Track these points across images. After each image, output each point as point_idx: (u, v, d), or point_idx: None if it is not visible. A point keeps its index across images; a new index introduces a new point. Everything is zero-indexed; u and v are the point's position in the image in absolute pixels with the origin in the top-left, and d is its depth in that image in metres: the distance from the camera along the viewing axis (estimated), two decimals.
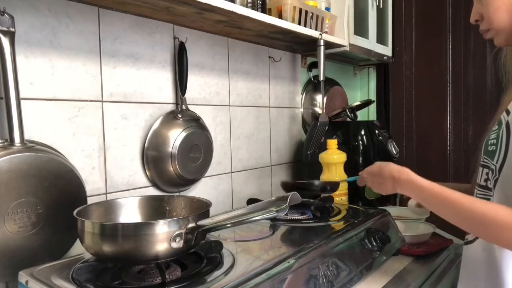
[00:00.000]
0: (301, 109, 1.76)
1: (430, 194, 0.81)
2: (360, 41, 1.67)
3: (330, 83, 1.91)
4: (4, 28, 0.81)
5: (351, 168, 1.45)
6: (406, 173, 0.87)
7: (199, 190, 1.30)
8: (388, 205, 1.54)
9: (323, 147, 1.44)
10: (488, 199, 0.83)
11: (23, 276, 0.75)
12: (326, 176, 1.40)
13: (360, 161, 1.52)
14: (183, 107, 1.19)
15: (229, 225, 0.73)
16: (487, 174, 0.84)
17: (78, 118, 0.99)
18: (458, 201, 0.76)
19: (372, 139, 1.54)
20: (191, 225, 0.72)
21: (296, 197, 0.69)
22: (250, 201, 1.26)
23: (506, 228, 0.69)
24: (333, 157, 1.39)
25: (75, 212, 0.75)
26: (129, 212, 0.90)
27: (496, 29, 0.84)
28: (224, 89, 1.38)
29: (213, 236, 0.95)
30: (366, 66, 2.15)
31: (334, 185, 1.27)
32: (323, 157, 1.40)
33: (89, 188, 0.99)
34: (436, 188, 0.81)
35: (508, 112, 0.81)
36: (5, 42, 0.81)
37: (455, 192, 0.78)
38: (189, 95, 1.24)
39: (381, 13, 1.84)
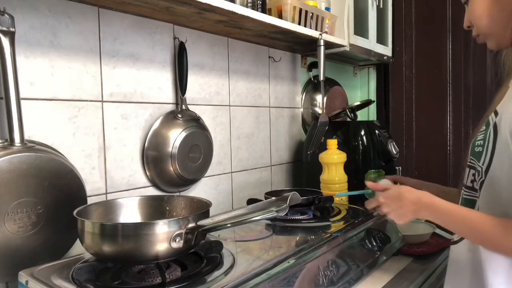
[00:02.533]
0: (301, 109, 1.76)
1: (455, 218, 0.80)
2: (360, 41, 1.67)
3: (330, 83, 1.91)
4: (4, 28, 0.81)
5: (351, 168, 1.45)
6: (428, 196, 0.84)
7: (199, 190, 1.30)
8: None
9: (323, 147, 1.44)
10: (475, 201, 0.83)
11: (23, 276, 0.75)
12: (326, 176, 1.39)
13: (360, 161, 1.52)
14: (183, 107, 1.19)
15: (229, 225, 0.73)
16: (473, 175, 0.83)
17: (78, 118, 0.99)
18: (483, 224, 0.75)
19: (372, 139, 1.54)
20: (191, 225, 0.72)
21: (296, 197, 0.69)
22: (250, 201, 1.26)
23: None
24: (333, 157, 1.39)
25: (75, 212, 0.76)
26: (129, 212, 0.90)
27: (484, 34, 0.86)
28: (224, 89, 1.38)
29: (213, 236, 0.95)
30: (366, 66, 2.15)
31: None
32: (323, 157, 1.40)
33: (89, 188, 0.99)
34: (461, 211, 0.79)
35: (496, 113, 0.80)
36: (5, 42, 0.81)
37: (480, 214, 0.77)
38: (189, 95, 1.24)
39: (381, 13, 1.84)
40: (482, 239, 0.78)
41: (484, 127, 0.83)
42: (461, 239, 0.87)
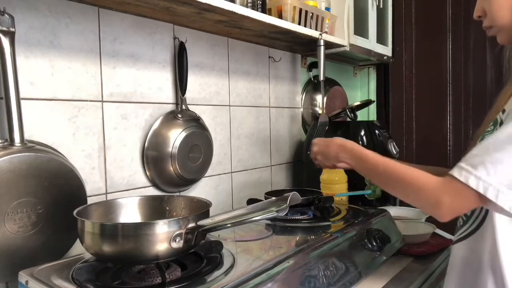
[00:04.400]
0: (301, 109, 1.76)
1: (370, 164, 0.87)
2: (360, 41, 1.67)
3: (330, 83, 1.91)
4: (4, 28, 0.81)
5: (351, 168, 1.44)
6: (354, 143, 0.94)
7: (199, 190, 1.30)
8: (388, 205, 1.54)
9: None
10: None
11: (23, 276, 0.75)
12: (326, 176, 1.39)
13: None
14: (183, 107, 1.19)
15: (229, 225, 0.73)
16: None
17: (78, 118, 0.99)
18: (396, 171, 0.80)
19: (372, 139, 1.54)
20: (191, 225, 0.72)
21: (296, 197, 0.69)
22: (250, 201, 1.26)
23: (422, 189, 0.75)
24: None
25: (75, 212, 0.76)
26: (129, 212, 0.90)
27: (499, 26, 0.82)
28: (224, 89, 1.38)
29: (213, 236, 0.95)
30: (366, 66, 2.15)
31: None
32: None
33: (89, 188, 0.99)
34: (378, 159, 0.85)
35: (504, 112, 0.79)
36: (5, 42, 0.81)
37: (395, 163, 0.82)
38: (189, 95, 1.24)
39: (381, 13, 1.84)
40: (407, 189, 0.79)
41: (492, 126, 0.81)
42: (462, 239, 0.86)
